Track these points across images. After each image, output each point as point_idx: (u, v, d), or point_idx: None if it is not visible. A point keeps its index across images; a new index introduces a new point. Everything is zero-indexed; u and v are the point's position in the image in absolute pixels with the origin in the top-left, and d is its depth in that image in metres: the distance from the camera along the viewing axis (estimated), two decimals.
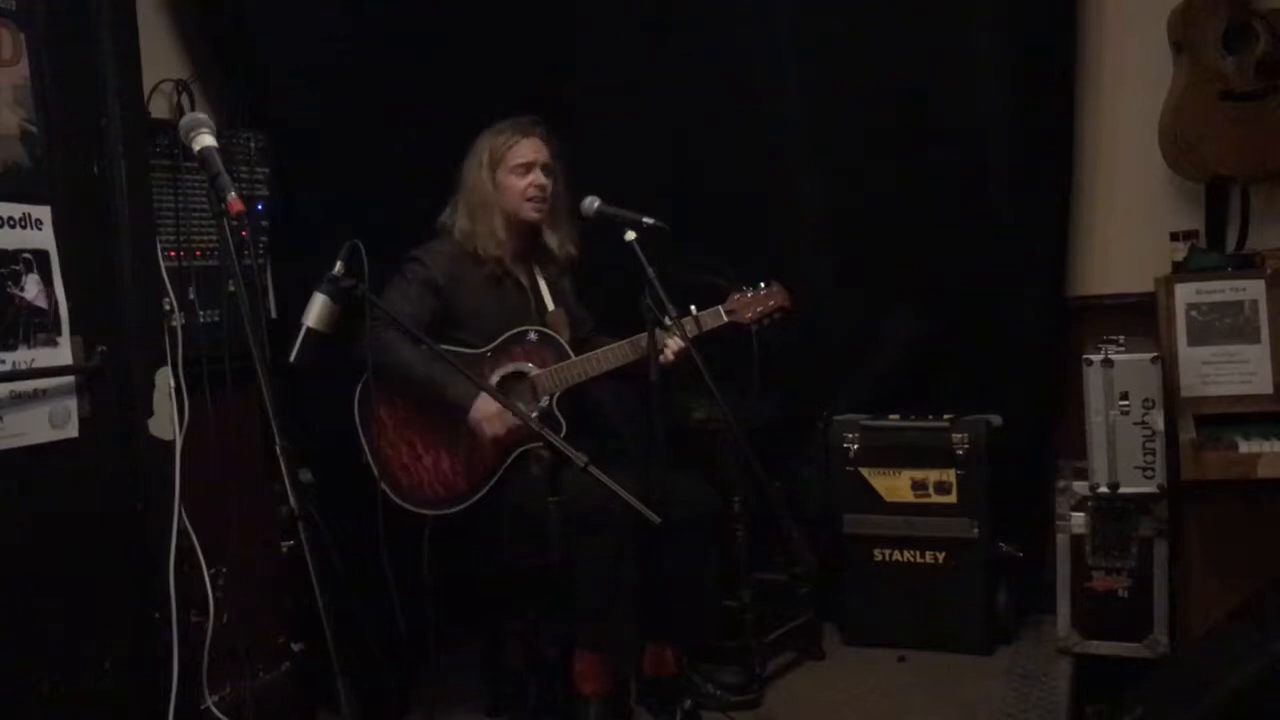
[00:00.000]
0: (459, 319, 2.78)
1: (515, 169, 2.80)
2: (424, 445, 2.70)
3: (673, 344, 2.69)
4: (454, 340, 2.75)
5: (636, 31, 3.65)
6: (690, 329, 2.72)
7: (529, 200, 2.81)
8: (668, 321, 2.55)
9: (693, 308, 2.77)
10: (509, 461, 2.69)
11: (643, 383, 2.60)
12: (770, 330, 2.85)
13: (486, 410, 2.64)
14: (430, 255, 2.78)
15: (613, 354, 2.75)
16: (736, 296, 2.82)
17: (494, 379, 2.72)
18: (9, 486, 2.02)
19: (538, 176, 2.81)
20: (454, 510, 2.68)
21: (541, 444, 2.36)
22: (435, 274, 2.75)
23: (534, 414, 2.66)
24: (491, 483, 2.69)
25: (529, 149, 2.82)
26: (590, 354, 2.76)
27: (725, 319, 2.80)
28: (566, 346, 2.79)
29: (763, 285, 2.83)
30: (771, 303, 2.82)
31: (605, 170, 2.94)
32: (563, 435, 2.61)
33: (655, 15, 3.63)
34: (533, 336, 2.78)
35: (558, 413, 2.73)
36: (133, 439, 2.28)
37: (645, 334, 2.58)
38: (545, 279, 2.92)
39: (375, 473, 2.64)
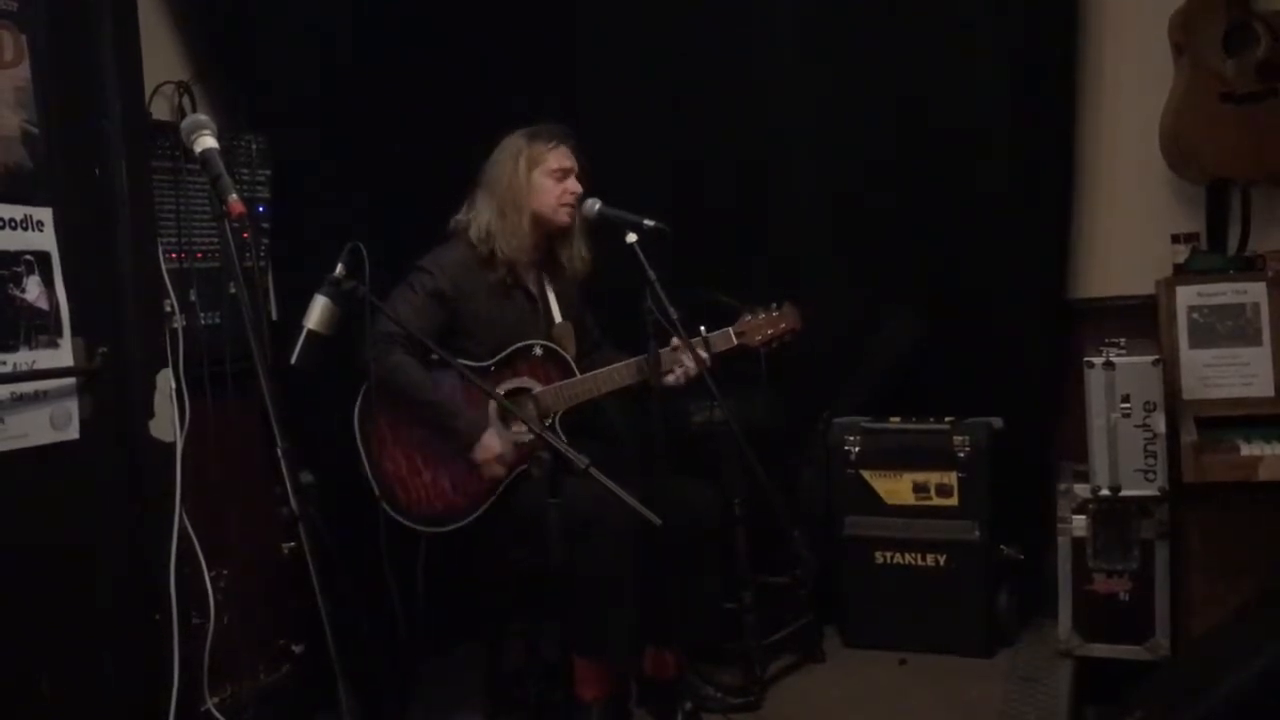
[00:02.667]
0: (465, 329, 2.75)
1: (553, 173, 2.78)
2: (424, 460, 2.67)
3: (686, 365, 2.67)
4: (458, 350, 2.70)
5: (638, 34, 3.65)
6: (699, 351, 2.71)
7: (563, 205, 2.78)
8: (670, 327, 2.54)
9: (702, 329, 2.74)
10: (508, 481, 2.67)
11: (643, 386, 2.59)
12: (779, 351, 2.83)
13: (489, 452, 2.63)
14: (438, 265, 2.74)
15: (618, 374, 2.73)
16: (747, 318, 2.79)
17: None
18: (10, 488, 2.02)
19: (573, 183, 2.79)
20: (450, 529, 2.65)
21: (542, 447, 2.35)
22: (443, 285, 2.71)
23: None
24: (490, 501, 2.66)
25: (567, 155, 2.80)
26: (596, 373, 2.74)
27: (735, 342, 2.77)
28: (572, 363, 2.77)
29: (774, 306, 2.80)
30: (783, 325, 2.79)
31: (605, 173, 2.93)
32: None
33: (656, 17, 3.63)
34: (538, 351, 2.75)
35: (560, 431, 2.70)
36: (133, 441, 2.29)
37: (649, 355, 2.56)
38: (555, 290, 2.90)
39: (374, 486, 2.63)
